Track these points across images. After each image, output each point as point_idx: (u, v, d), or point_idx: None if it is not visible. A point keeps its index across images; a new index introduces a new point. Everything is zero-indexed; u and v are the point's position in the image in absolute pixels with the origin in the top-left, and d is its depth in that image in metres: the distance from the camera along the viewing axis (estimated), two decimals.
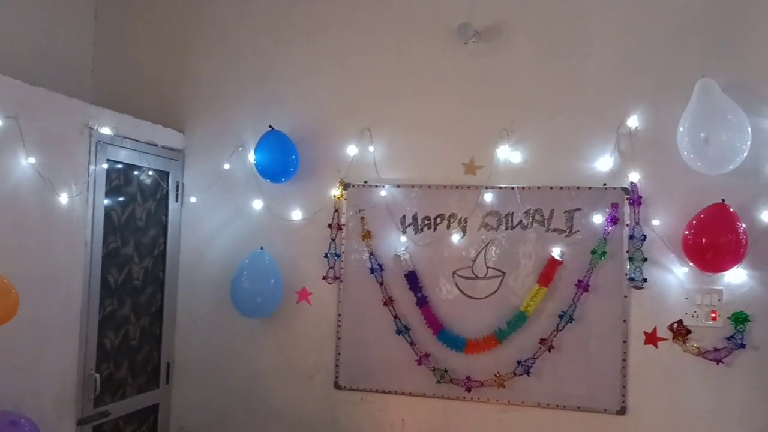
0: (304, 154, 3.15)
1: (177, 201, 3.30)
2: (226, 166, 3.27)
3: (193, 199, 3.33)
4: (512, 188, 2.93)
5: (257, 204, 3.23)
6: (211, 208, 3.30)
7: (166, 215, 3.25)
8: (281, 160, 3.09)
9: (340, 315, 3.11)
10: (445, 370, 2.94)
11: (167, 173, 3.25)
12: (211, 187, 3.28)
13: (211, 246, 3.31)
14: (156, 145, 3.15)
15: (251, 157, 3.18)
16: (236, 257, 3.16)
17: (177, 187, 3.30)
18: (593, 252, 2.82)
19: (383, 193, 3.07)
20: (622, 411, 2.79)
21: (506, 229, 2.93)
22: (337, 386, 3.11)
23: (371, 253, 3.06)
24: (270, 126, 3.09)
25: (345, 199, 3.11)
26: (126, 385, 3.01)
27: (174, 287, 3.31)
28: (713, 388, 2.72)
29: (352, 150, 3.12)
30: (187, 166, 3.36)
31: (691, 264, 2.71)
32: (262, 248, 3.10)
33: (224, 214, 3.29)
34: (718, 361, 2.69)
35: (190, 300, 3.33)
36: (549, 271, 2.86)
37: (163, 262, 3.24)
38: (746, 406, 2.69)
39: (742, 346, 2.66)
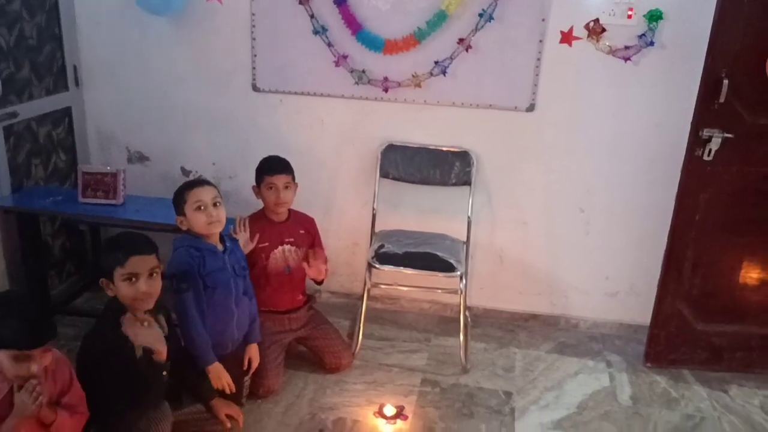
0: None
1: None
2: None
3: None
4: None
5: None
6: None
7: None
8: None
9: (253, 14, 2.96)
10: (363, 71, 2.93)
11: None
12: None
13: None
14: None
15: None
16: None
17: None
18: None
19: None
20: (531, 108, 2.89)
21: None
22: (255, 89, 3.07)
23: None
24: None
25: None
26: (32, 86, 2.91)
27: None
28: (618, 85, 2.81)
29: None
30: None
31: None
32: None
33: None
34: (627, 59, 2.74)
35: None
36: None
37: None
38: (647, 101, 2.83)
39: (651, 44, 2.70)
